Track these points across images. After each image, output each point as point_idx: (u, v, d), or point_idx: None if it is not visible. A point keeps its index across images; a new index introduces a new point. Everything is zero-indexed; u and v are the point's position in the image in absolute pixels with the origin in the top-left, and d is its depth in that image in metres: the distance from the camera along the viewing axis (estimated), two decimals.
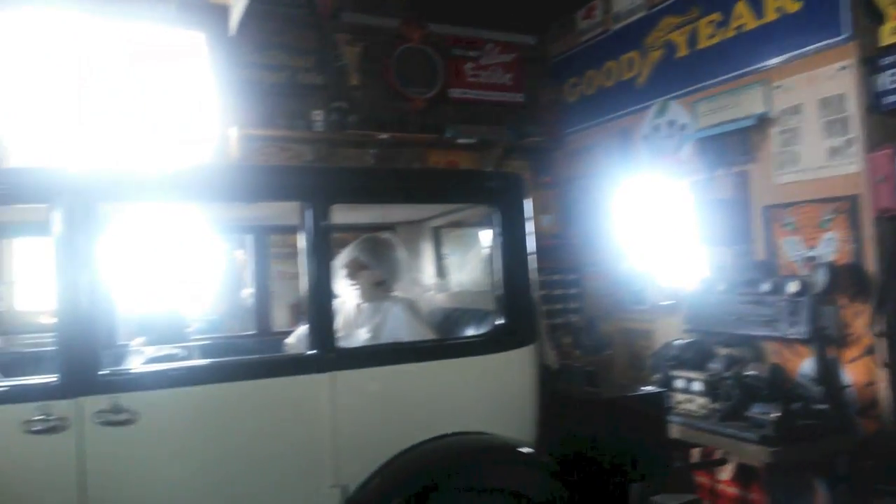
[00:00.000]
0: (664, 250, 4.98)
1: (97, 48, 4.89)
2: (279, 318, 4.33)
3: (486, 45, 6.11)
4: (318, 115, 5.30)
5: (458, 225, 3.57)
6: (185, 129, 5.13)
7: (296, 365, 2.47)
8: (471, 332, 2.97)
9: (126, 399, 2.17)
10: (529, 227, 2.73)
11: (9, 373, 2.72)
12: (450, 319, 3.23)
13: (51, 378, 2.14)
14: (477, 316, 2.99)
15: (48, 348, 2.60)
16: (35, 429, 2.08)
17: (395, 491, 2.35)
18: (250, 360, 2.64)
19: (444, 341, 2.95)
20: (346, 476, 2.39)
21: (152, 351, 2.88)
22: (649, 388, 3.27)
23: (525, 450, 2.54)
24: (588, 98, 5.87)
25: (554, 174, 6.04)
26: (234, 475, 2.30)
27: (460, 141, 5.75)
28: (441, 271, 3.62)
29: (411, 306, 3.11)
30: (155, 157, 4.89)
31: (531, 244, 2.72)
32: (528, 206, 2.75)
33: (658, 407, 2.95)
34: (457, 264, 3.66)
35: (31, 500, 2.10)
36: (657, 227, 5.01)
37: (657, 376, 4.02)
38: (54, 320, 2.18)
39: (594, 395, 2.97)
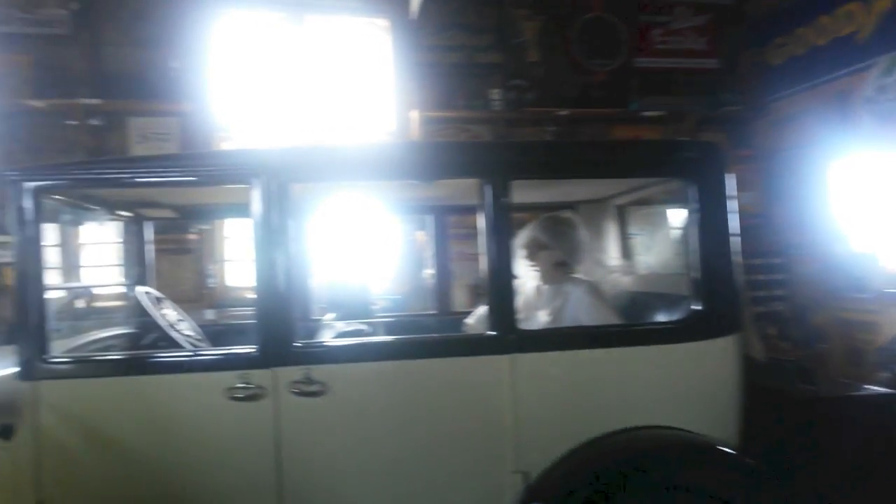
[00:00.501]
0: (891, 230, 4.30)
1: (293, 41, 5.21)
2: (459, 299, 4.35)
3: (676, 8, 5.67)
4: (496, 94, 5.24)
5: (645, 202, 3.31)
6: (370, 113, 5.32)
7: (476, 345, 2.41)
8: (662, 318, 2.74)
9: (317, 371, 2.25)
10: (732, 204, 2.43)
11: (218, 343, 2.95)
12: (637, 304, 3.00)
13: (251, 349, 2.27)
14: (669, 301, 2.74)
15: (251, 321, 2.77)
16: (236, 396, 2.22)
17: (581, 482, 2.22)
18: (433, 338, 2.64)
19: (632, 327, 2.74)
20: (527, 462, 2.30)
21: (341, 326, 2.99)
22: (880, 389, 2.81)
23: (726, 449, 2.28)
24: (796, 59, 5.23)
25: (755, 146, 5.47)
26: (417, 451, 2.30)
27: (647, 113, 5.40)
28: (627, 252, 3.39)
29: (594, 289, 2.93)
30: (342, 140, 5.12)
31: (734, 223, 2.43)
32: (729, 180, 2.45)
33: (891, 410, 2.53)
34: (645, 245, 3.41)
35: (234, 462, 2.25)
36: (883, 203, 4.34)
37: (885, 374, 3.47)
38: (254, 295, 2.31)
39: (810, 393, 2.61)
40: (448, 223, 3.65)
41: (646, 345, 2.42)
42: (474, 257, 2.48)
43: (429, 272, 3.81)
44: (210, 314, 4.71)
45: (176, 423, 2.24)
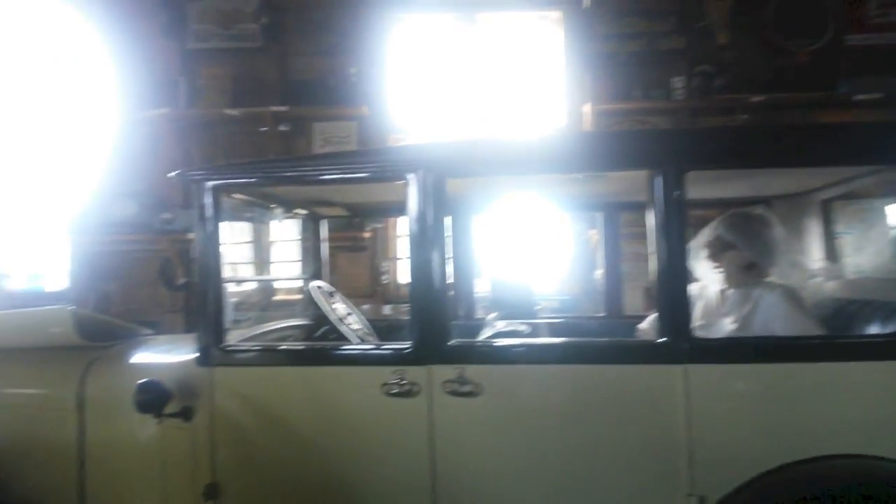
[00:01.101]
0: None
1: (466, 40, 5.23)
2: (632, 302, 4.06)
3: None
4: (678, 82, 4.86)
5: (858, 196, 2.85)
6: (542, 108, 5.18)
7: (644, 353, 2.19)
8: (874, 329, 2.32)
9: (471, 371, 2.18)
10: None
11: (388, 338, 2.98)
12: (844, 313, 2.58)
13: (405, 345, 2.24)
14: (885, 310, 2.32)
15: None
16: (392, 391, 2.21)
17: None
18: (595, 342, 2.45)
19: (837, 339, 2.35)
20: (703, 486, 2.07)
21: (500, 326, 2.89)
22: None
23: None
24: None
25: None
26: (577, 463, 2.14)
27: (860, 97, 4.71)
28: (833, 253, 2.93)
29: (790, 294, 2.56)
30: (504, 133, 5.01)
31: None
32: None
33: None
34: (856, 245, 2.94)
35: (390, 457, 2.24)
36: None
37: None
38: (410, 291, 2.29)
39: None
40: (620, 220, 3.41)
41: (853, 360, 2.06)
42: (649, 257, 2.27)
43: (600, 273, 3.59)
44: (386, 310, 4.86)
45: (338, 414, 2.28)
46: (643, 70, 4.97)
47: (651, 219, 2.16)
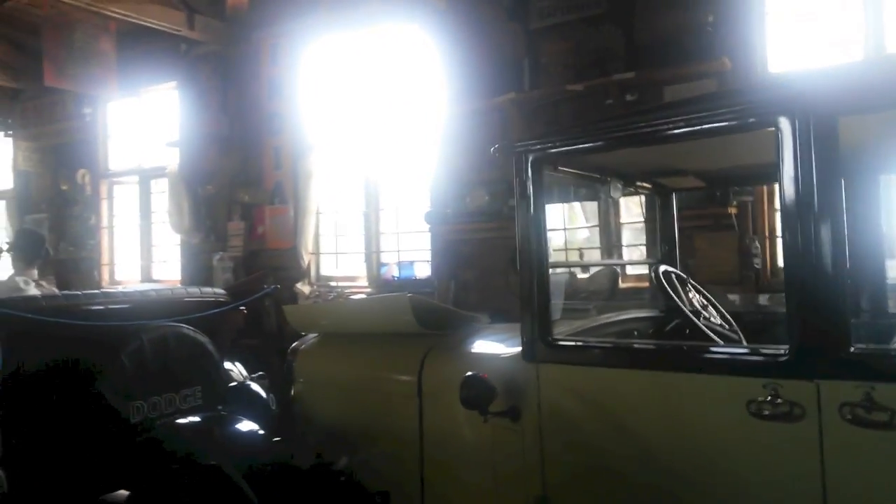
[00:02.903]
0: None
1: None
2: None
3: None
4: None
5: None
6: None
7: None
8: None
9: (883, 392, 1.53)
10: None
11: (759, 338, 2.38)
12: None
13: (780, 350, 1.67)
14: None
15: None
16: (762, 412, 1.66)
17: None
18: None
19: None
20: None
21: None
22: None
23: None
24: None
25: None
26: None
27: None
28: None
29: None
30: None
31: None
32: None
33: None
34: None
35: (761, 492, 1.71)
36: None
37: None
38: (786, 277, 1.70)
39: None
40: None
41: None
42: None
43: None
44: (761, 300, 4.07)
45: (687, 432, 1.83)
46: None
47: None
